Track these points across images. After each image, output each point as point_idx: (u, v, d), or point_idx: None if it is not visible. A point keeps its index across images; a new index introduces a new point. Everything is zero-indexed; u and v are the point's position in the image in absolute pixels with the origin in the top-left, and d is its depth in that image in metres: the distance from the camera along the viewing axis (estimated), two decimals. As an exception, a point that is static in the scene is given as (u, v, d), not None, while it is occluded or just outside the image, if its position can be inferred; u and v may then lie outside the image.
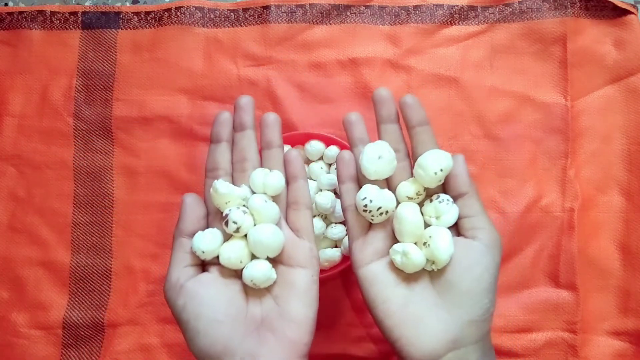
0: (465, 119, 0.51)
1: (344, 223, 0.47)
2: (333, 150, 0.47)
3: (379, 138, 0.38)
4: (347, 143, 0.44)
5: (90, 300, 0.50)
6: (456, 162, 0.36)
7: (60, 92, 0.52)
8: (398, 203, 0.36)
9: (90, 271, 0.50)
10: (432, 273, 0.35)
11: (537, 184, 0.49)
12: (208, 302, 0.34)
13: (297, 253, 0.35)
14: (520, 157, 0.50)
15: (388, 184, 0.37)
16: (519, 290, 0.49)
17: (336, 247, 0.47)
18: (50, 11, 0.53)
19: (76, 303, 0.50)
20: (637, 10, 0.50)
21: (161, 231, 0.50)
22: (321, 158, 0.49)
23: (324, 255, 0.46)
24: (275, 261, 0.36)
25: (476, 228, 0.35)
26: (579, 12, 0.51)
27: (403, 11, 0.52)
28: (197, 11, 0.52)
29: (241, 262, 0.35)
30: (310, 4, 0.52)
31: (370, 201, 0.35)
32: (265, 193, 0.36)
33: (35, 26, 0.53)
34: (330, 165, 0.49)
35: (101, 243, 0.51)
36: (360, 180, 0.37)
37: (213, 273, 0.35)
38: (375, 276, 0.35)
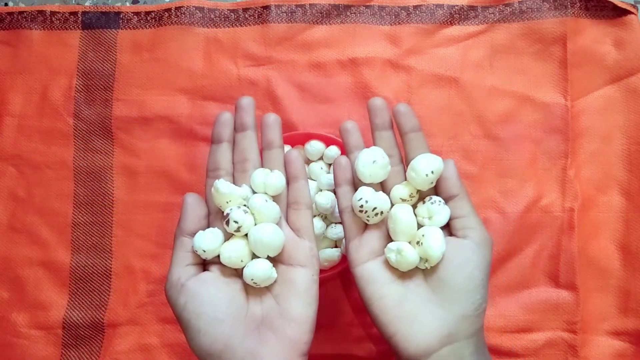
0: (465, 119, 0.51)
1: (343, 223, 0.47)
2: (333, 150, 0.48)
3: (374, 144, 0.39)
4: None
5: (90, 300, 0.50)
6: (447, 165, 0.37)
7: (60, 92, 0.52)
8: (392, 205, 0.37)
9: (90, 271, 0.50)
10: (426, 271, 0.36)
11: (537, 184, 0.49)
12: (209, 301, 0.34)
13: (298, 252, 0.36)
14: (520, 157, 0.50)
15: (383, 187, 0.38)
16: (519, 290, 0.49)
17: (336, 247, 0.47)
18: (50, 11, 0.53)
19: (76, 303, 0.50)
20: (637, 10, 0.50)
21: (161, 231, 0.50)
22: (321, 158, 0.49)
23: (324, 255, 0.46)
24: (275, 260, 0.36)
25: (467, 228, 0.36)
26: (579, 12, 0.51)
27: (403, 11, 0.52)
28: (197, 11, 0.52)
29: (242, 261, 0.35)
30: (310, 4, 0.52)
31: (366, 202, 0.36)
32: (265, 193, 0.37)
33: (35, 26, 0.53)
34: (330, 165, 0.49)
35: (101, 243, 0.51)
36: (356, 183, 0.38)
37: (214, 272, 0.36)
38: (371, 274, 0.36)
